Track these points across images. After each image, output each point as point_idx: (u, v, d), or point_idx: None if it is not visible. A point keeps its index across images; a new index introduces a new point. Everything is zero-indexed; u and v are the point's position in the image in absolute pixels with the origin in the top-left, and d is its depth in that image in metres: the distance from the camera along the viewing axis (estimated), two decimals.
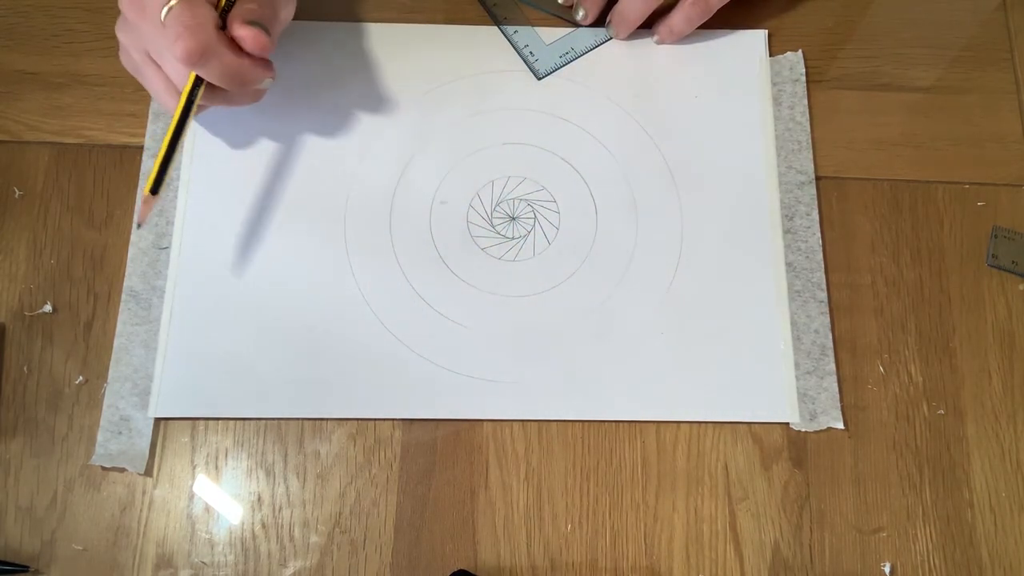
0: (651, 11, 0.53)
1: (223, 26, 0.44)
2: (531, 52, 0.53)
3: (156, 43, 0.44)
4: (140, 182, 0.50)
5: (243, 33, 0.43)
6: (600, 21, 0.54)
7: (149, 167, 0.50)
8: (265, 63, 0.46)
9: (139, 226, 0.48)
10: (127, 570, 0.44)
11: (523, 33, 0.54)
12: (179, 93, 0.44)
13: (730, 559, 0.45)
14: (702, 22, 0.53)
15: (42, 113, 0.52)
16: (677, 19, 0.53)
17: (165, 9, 0.42)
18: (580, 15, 0.54)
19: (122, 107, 0.52)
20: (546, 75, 0.53)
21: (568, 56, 0.54)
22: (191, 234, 0.49)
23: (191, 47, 0.41)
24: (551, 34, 0.54)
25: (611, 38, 0.55)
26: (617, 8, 0.53)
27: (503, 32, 0.54)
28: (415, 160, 0.52)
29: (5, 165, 0.51)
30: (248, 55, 0.44)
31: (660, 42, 0.54)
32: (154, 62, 0.45)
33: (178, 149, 0.45)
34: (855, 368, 0.48)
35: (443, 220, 0.50)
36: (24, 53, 0.53)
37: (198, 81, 0.44)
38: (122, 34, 0.46)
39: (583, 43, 0.54)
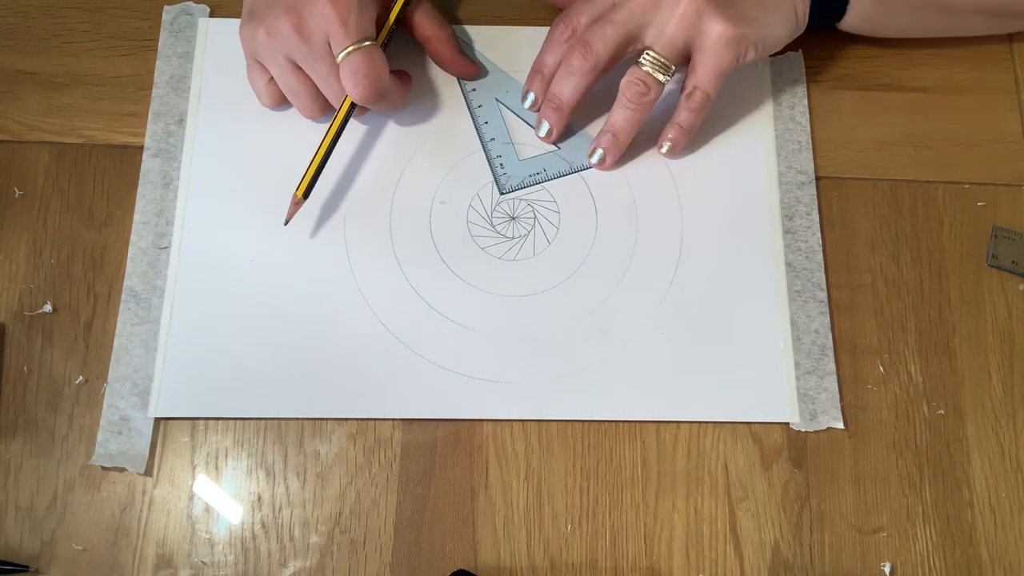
0: (642, 120, 0.49)
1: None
2: (501, 164, 0.51)
3: (312, 62, 0.47)
4: (140, 181, 0.50)
5: (470, 69, 0.52)
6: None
7: (149, 167, 0.50)
8: (408, 78, 0.52)
9: (286, 223, 0.49)
10: (127, 570, 0.44)
11: (499, 143, 0.52)
12: (320, 98, 0.49)
13: (730, 559, 0.45)
14: (706, 113, 0.49)
15: (42, 113, 0.52)
16: (683, 116, 0.49)
17: (342, 53, 0.46)
18: (542, 131, 0.51)
19: (122, 107, 0.52)
20: (509, 192, 0.51)
21: (538, 177, 0.51)
22: (191, 234, 0.49)
23: (371, 95, 0.47)
24: (527, 150, 0.52)
25: (588, 167, 0.51)
26: (607, 124, 0.50)
27: (479, 136, 0.52)
28: (415, 160, 0.52)
29: (5, 165, 0.51)
30: (403, 79, 0.51)
31: (672, 149, 0.51)
32: (298, 68, 0.48)
33: (330, 158, 0.49)
34: (855, 368, 0.48)
35: (443, 220, 0.50)
36: (24, 53, 0.53)
37: (353, 105, 0.48)
38: (264, 31, 0.47)
39: (556, 167, 0.51)
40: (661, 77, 0.48)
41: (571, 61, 0.48)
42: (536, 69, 0.50)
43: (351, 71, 0.46)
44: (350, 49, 0.46)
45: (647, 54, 0.47)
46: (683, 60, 0.48)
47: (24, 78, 0.53)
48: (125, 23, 0.54)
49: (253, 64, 0.50)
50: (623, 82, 0.48)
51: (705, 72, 0.48)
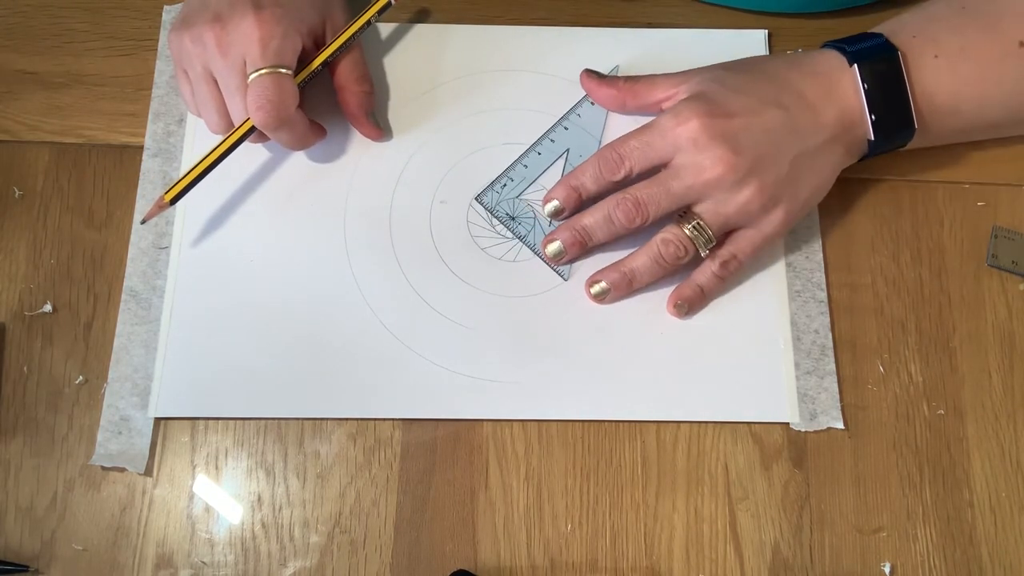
0: (662, 277, 0.48)
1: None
2: (504, 184, 0.50)
3: (225, 76, 0.46)
4: (140, 181, 0.50)
5: (372, 132, 0.51)
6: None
7: (149, 167, 0.50)
8: (321, 129, 0.50)
9: (143, 222, 0.48)
10: (127, 570, 0.44)
11: (526, 170, 0.51)
12: (227, 115, 0.47)
13: (730, 559, 0.45)
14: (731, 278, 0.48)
15: (42, 113, 0.52)
16: (709, 280, 0.47)
17: (254, 74, 0.45)
18: (552, 249, 0.48)
19: (122, 107, 0.52)
20: (486, 207, 0.50)
21: (515, 227, 0.50)
22: (191, 234, 0.49)
23: (271, 121, 0.45)
24: (533, 196, 0.51)
25: (563, 274, 0.49)
26: (625, 265, 0.47)
27: (526, 153, 0.51)
28: (415, 160, 0.52)
29: (5, 165, 0.51)
30: (314, 127, 0.49)
31: (688, 310, 0.48)
32: (213, 80, 0.47)
33: (208, 174, 0.48)
34: (855, 368, 0.48)
35: (443, 220, 0.50)
36: (24, 53, 0.53)
37: (252, 128, 0.47)
38: (188, 37, 0.46)
39: (534, 241, 0.50)
40: (702, 252, 0.46)
41: (616, 214, 0.46)
42: (572, 186, 0.48)
43: (257, 93, 0.45)
44: (263, 71, 0.45)
45: (697, 224, 0.45)
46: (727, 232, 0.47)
47: (24, 78, 0.53)
48: (125, 23, 0.54)
49: (179, 72, 0.49)
50: (660, 238, 0.46)
51: (750, 246, 0.47)
